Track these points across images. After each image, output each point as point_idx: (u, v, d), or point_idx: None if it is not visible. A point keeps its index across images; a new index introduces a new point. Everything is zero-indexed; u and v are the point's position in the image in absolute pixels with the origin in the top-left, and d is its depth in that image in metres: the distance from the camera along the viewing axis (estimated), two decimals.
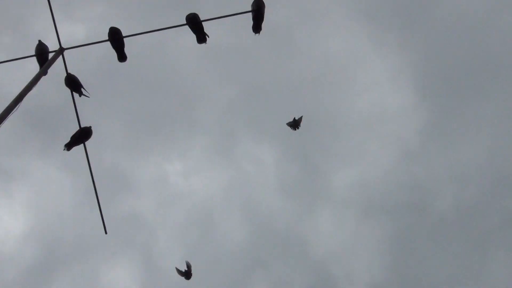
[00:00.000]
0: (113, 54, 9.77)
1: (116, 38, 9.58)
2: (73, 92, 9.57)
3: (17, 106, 7.96)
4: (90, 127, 9.75)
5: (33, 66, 9.57)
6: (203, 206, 22.71)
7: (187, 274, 11.87)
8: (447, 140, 22.62)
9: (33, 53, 9.64)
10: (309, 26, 22.62)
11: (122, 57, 9.74)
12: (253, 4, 9.66)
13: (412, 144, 22.62)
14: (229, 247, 22.42)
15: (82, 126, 9.69)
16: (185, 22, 9.52)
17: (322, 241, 22.64)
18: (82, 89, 9.66)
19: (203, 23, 9.54)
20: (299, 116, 10.98)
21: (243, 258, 22.43)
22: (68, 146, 9.65)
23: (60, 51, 9.46)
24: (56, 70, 9.51)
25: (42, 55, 9.54)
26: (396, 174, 22.54)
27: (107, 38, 9.63)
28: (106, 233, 9.95)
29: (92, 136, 9.84)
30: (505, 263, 21.63)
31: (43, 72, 8.79)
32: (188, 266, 12.07)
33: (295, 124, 10.92)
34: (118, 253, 22.06)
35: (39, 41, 9.68)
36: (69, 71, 9.58)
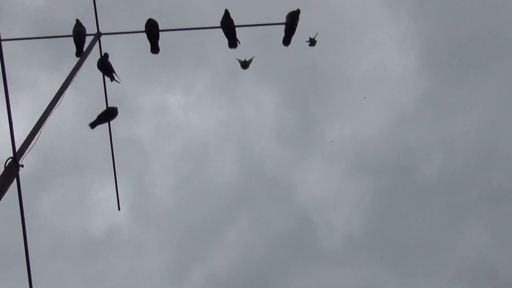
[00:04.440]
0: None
1: (152, 30, 9.81)
2: (105, 76, 9.85)
3: (61, 98, 8.10)
4: (116, 108, 9.84)
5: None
6: (199, 140, 23.20)
7: (245, 64, 11.50)
8: (443, 110, 23.06)
9: (71, 32, 9.89)
10: None
11: (155, 49, 9.97)
12: (288, 17, 9.87)
13: (408, 109, 23.07)
14: (219, 182, 22.99)
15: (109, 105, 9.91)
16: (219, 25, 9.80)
17: (308, 189, 23.26)
18: (114, 74, 9.78)
19: (236, 29, 9.81)
20: (314, 35, 11.06)
21: (231, 194, 23.06)
22: (92, 125, 9.69)
23: (98, 35, 9.71)
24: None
25: (79, 37, 9.78)
26: (388, 135, 23.05)
27: (144, 28, 9.85)
28: (119, 208, 10.39)
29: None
30: (478, 235, 22.44)
31: (82, 61, 9.02)
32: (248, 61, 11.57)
33: (312, 42, 11.02)
34: (111, 174, 22.52)
35: (77, 20, 9.80)
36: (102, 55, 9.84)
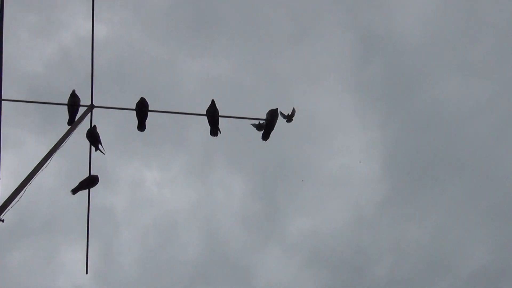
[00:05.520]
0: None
1: (142, 109, 9.91)
2: (91, 145, 9.85)
3: (48, 161, 8.03)
4: (97, 176, 9.83)
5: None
6: (169, 216, 23.10)
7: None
8: (398, 217, 23.31)
9: (65, 100, 9.93)
10: (307, 83, 23.21)
11: (142, 127, 10.06)
12: (268, 114, 10.08)
13: (367, 212, 23.24)
14: (182, 259, 22.78)
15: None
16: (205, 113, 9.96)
17: (264, 276, 23.10)
18: (100, 145, 9.85)
19: (220, 119, 9.96)
20: (291, 111, 10.97)
21: (192, 271, 22.82)
22: (74, 191, 9.70)
23: (91, 107, 9.77)
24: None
25: (74, 107, 9.84)
26: (345, 234, 23.11)
27: (135, 106, 9.95)
28: (87, 271, 10.21)
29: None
30: None
31: (72, 130, 9.01)
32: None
33: (289, 117, 10.95)
34: (81, 237, 22.14)
35: (74, 91, 9.89)
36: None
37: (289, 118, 10.62)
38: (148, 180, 22.87)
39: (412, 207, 23.15)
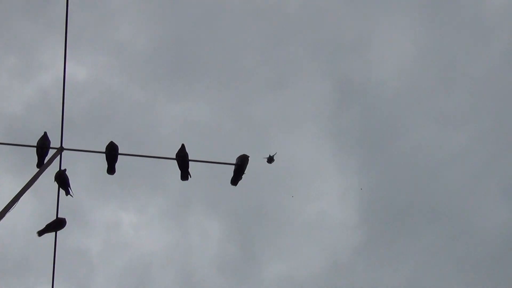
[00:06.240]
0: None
1: (112, 153, 9.89)
2: (60, 188, 9.78)
3: (15, 204, 7.94)
4: (65, 219, 9.77)
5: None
6: (144, 259, 22.93)
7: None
8: (374, 263, 23.29)
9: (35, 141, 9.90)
10: (284, 129, 23.34)
11: (111, 170, 10.04)
12: (238, 159, 10.07)
13: (343, 258, 23.20)
14: None
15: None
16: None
17: None
18: (69, 188, 9.76)
19: (190, 163, 9.95)
20: (274, 154, 10.91)
21: None
22: (40, 233, 9.66)
23: (60, 150, 9.70)
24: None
25: (43, 149, 9.78)
26: (321, 280, 23.03)
27: (105, 149, 9.94)
28: None
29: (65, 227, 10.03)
30: None
31: (41, 172, 8.94)
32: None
33: (270, 158, 10.89)
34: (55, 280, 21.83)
35: (45, 133, 9.85)
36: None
37: (270, 159, 10.68)
38: (124, 223, 22.78)
39: (388, 253, 23.18)
